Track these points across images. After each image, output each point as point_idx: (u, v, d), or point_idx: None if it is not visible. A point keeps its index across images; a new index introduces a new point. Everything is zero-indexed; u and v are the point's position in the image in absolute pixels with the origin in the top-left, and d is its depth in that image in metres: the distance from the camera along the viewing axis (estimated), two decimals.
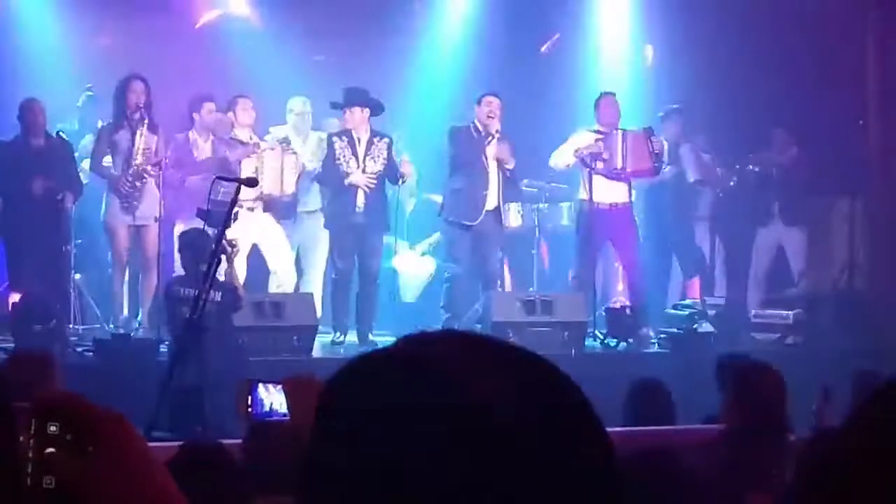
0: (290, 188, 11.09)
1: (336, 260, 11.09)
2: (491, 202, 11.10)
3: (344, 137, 11.03)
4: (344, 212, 10.94)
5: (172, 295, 9.15)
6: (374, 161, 10.99)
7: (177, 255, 9.83)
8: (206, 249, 8.42)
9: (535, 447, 1.16)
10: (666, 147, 11.61)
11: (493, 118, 11.00)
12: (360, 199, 10.90)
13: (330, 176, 11.06)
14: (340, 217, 11.00)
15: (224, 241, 8.30)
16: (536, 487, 1.16)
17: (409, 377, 1.20)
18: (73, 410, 1.30)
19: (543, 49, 13.62)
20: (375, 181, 10.94)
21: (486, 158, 11.04)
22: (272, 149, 11.00)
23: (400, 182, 11.13)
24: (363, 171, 10.92)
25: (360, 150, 10.99)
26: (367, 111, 11.03)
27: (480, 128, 11.07)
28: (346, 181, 10.89)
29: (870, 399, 1.24)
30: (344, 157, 10.95)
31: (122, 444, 1.31)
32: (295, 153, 11.19)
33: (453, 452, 1.14)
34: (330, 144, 11.05)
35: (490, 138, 11.01)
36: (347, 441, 1.19)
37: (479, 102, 11.13)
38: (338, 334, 10.95)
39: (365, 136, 11.03)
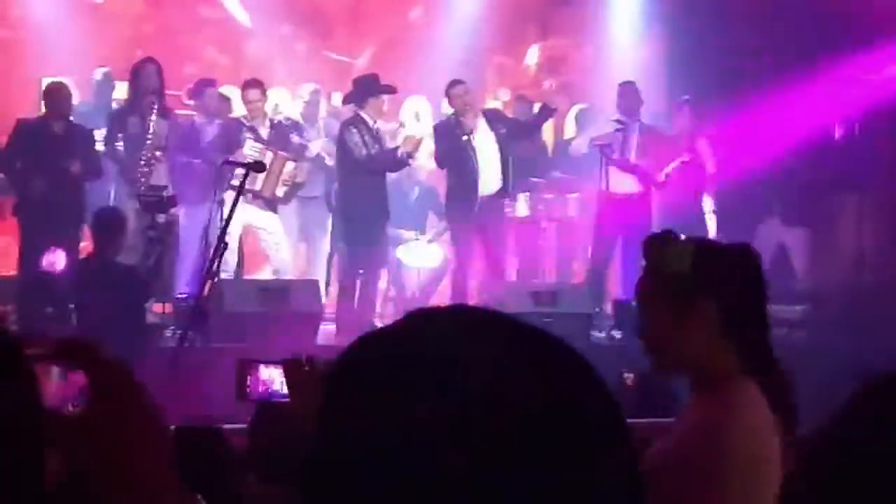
0: (280, 191, 10.96)
1: (344, 248, 11.00)
2: (486, 187, 10.93)
3: (359, 126, 10.82)
4: (353, 200, 10.83)
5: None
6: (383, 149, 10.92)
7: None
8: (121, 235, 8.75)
9: (544, 433, 1.11)
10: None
11: (468, 107, 10.92)
12: (370, 188, 10.78)
13: (342, 164, 10.89)
14: (350, 206, 10.86)
15: (159, 229, 8.44)
16: (543, 477, 1.10)
17: (412, 356, 1.13)
18: (85, 357, 1.29)
19: None
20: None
21: (472, 147, 10.91)
22: (274, 153, 10.83)
23: (410, 161, 11.00)
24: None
25: (373, 138, 10.85)
26: (383, 99, 10.97)
27: (459, 117, 10.98)
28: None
29: (865, 394, 1.18)
30: (357, 145, 10.80)
31: (130, 394, 1.30)
32: (294, 161, 11.03)
33: (453, 437, 1.08)
34: (342, 132, 10.87)
35: (471, 130, 10.90)
36: (354, 423, 1.12)
37: (447, 94, 11.07)
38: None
39: (375, 125, 10.92)
